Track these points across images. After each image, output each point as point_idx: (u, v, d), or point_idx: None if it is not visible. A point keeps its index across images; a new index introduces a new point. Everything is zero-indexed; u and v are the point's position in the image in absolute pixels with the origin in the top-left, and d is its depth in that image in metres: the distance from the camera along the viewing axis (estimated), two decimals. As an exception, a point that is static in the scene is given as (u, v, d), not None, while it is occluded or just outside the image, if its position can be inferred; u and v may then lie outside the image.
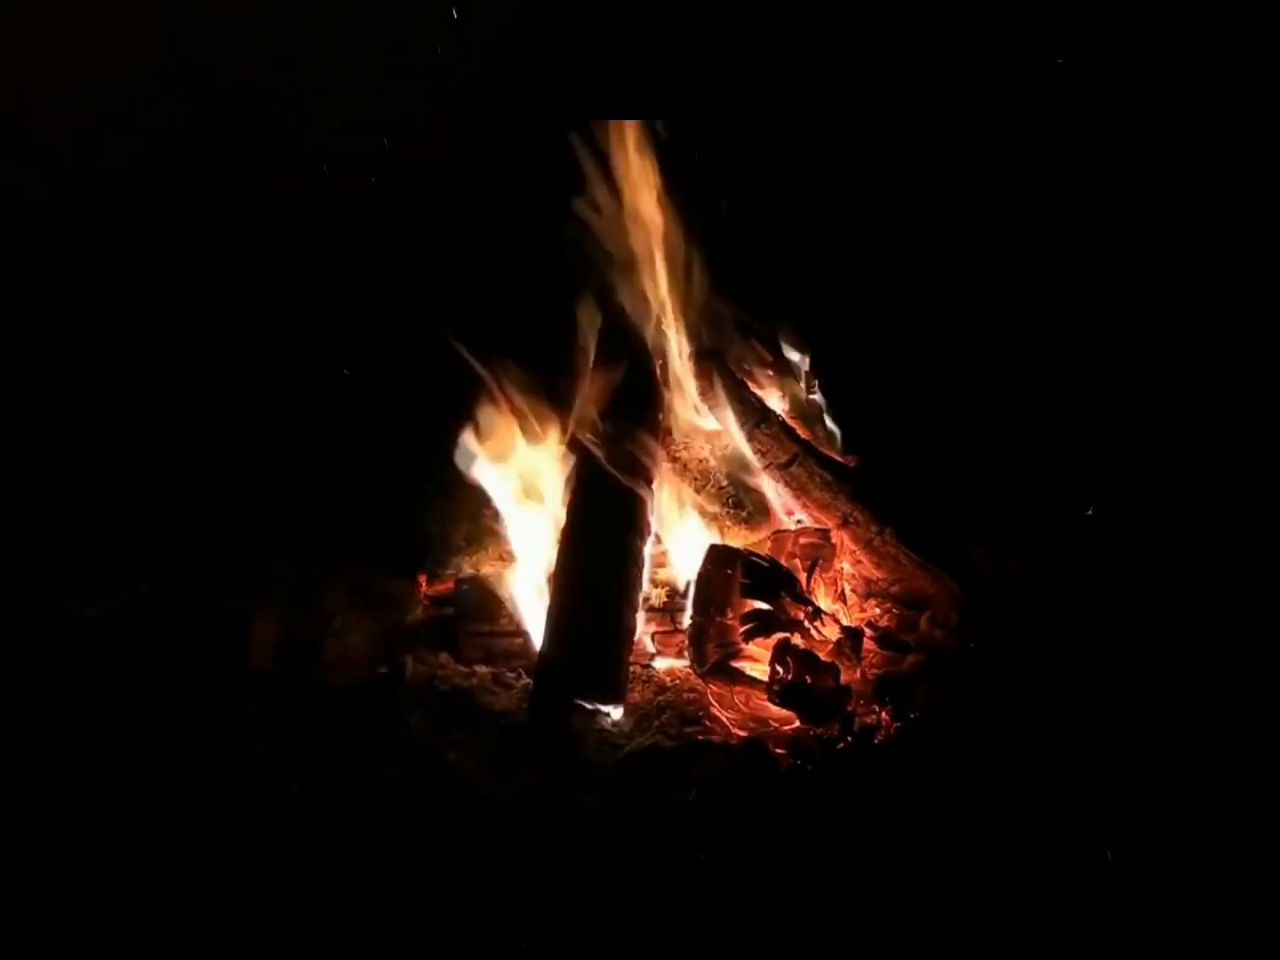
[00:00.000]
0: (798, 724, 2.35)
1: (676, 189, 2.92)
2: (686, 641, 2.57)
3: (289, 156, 3.56)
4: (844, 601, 2.74)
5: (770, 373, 3.09)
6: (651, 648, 2.64)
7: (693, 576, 2.63)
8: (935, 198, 3.72)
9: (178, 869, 1.95)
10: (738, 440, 2.86)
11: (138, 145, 3.47)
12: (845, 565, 2.82)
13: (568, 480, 2.80)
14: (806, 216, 3.60)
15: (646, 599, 2.66)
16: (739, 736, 2.34)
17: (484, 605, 2.74)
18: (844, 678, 2.42)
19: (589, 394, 2.90)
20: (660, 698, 2.48)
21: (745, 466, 2.92)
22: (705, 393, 2.91)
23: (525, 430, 2.90)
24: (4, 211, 3.34)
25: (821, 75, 3.64)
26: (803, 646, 2.46)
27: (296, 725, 2.33)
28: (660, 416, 2.91)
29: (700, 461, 2.97)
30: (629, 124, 2.89)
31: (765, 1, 3.62)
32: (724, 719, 2.41)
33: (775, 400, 3.06)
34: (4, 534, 3.03)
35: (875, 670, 2.55)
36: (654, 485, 2.77)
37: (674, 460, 2.95)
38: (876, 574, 2.80)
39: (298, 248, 3.57)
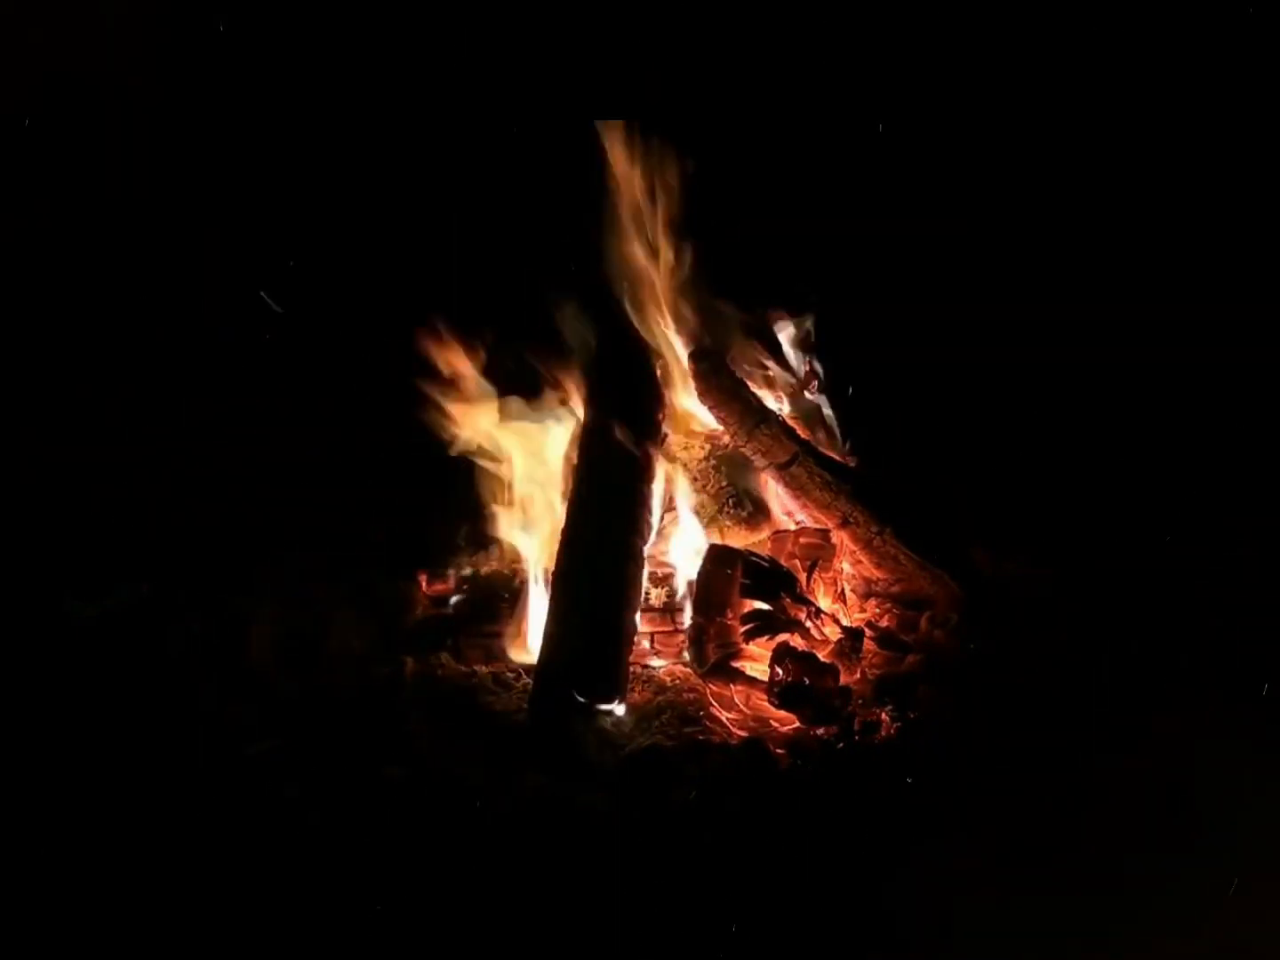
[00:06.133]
0: (798, 724, 2.35)
1: (677, 189, 2.92)
2: (686, 641, 2.57)
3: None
4: (844, 601, 2.74)
5: (770, 373, 3.09)
6: (651, 647, 2.64)
7: (693, 576, 2.64)
8: (937, 198, 3.72)
9: (177, 870, 1.95)
10: (738, 440, 2.86)
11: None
12: (845, 565, 2.82)
13: (568, 479, 2.81)
14: (807, 215, 3.60)
15: (646, 599, 2.66)
16: (739, 736, 2.34)
17: (484, 605, 2.74)
18: (844, 678, 2.42)
19: (590, 394, 2.91)
20: (660, 698, 2.48)
21: (745, 466, 2.92)
22: (705, 393, 2.91)
23: (526, 430, 2.91)
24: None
25: (826, 73, 3.64)
26: (803, 647, 2.46)
27: (296, 725, 2.33)
28: (660, 417, 2.91)
29: (700, 461, 2.97)
30: (629, 124, 2.89)
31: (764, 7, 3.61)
32: (724, 719, 2.41)
33: (775, 400, 3.06)
34: (5, 533, 3.03)
35: (875, 670, 2.55)
36: (654, 485, 2.77)
37: (674, 460, 2.95)
38: (876, 574, 2.80)
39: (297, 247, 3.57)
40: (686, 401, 3.02)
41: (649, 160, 2.92)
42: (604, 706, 2.37)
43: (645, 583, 2.64)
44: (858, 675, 2.50)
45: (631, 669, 2.50)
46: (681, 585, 2.71)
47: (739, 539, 2.85)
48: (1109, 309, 3.64)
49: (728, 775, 2.18)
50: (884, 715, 2.35)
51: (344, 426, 3.40)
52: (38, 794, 2.14)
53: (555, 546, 2.65)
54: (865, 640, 2.58)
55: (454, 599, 2.83)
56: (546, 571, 2.69)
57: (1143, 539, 2.90)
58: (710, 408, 2.91)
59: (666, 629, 2.67)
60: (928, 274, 3.72)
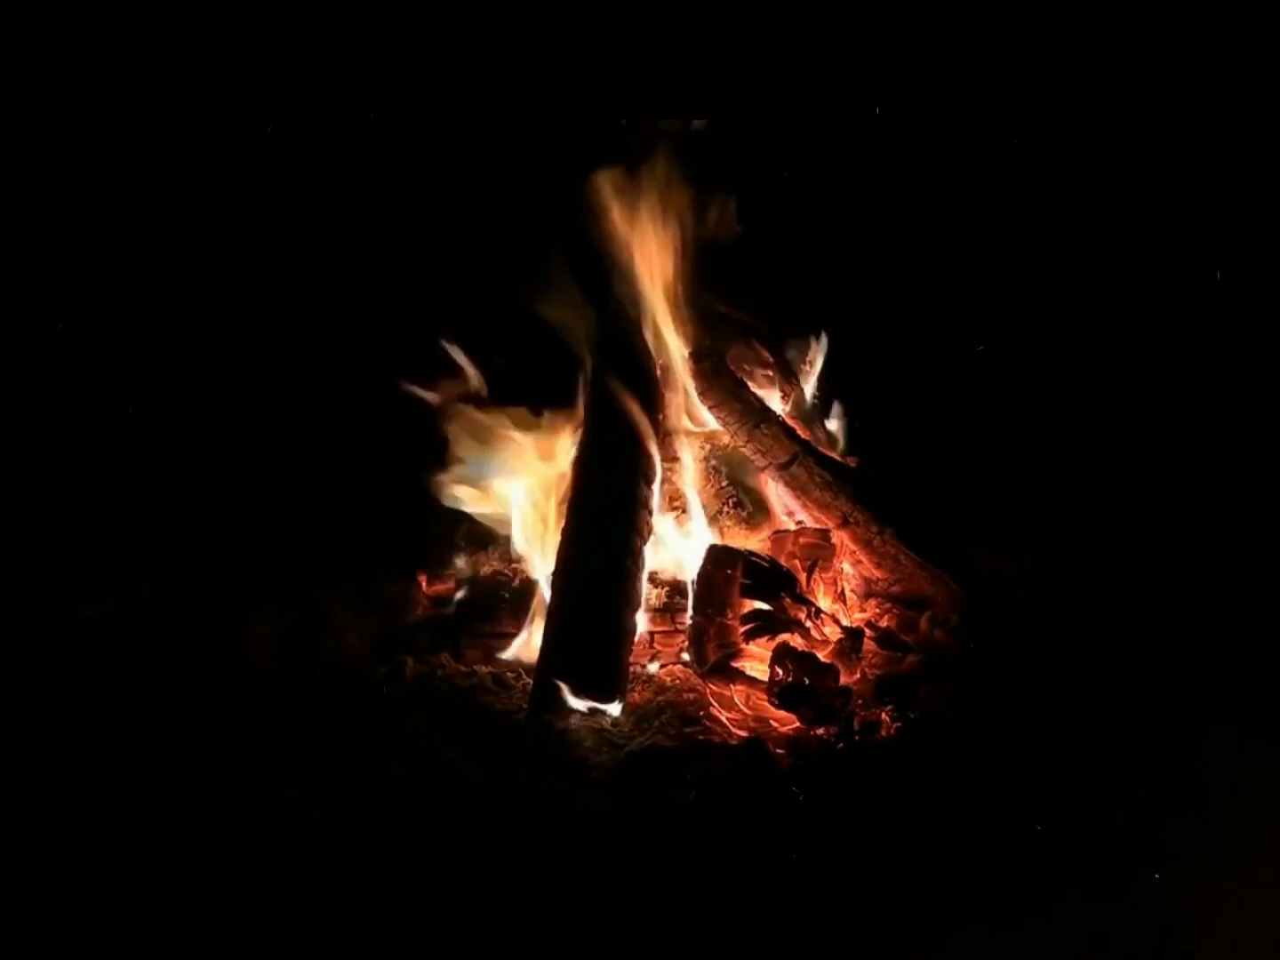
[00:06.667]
0: (798, 724, 2.35)
1: (680, 188, 2.92)
2: (686, 641, 2.57)
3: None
4: (844, 601, 2.74)
5: (770, 373, 3.09)
6: (651, 647, 2.64)
7: (693, 576, 2.63)
8: (938, 198, 3.72)
9: (177, 869, 1.95)
10: (738, 440, 2.86)
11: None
12: (845, 565, 2.82)
13: (568, 479, 2.81)
14: (808, 215, 3.60)
15: (647, 599, 2.66)
16: (739, 736, 2.34)
17: (484, 605, 2.74)
18: (844, 678, 2.42)
19: (590, 394, 2.91)
20: (660, 698, 2.48)
21: (745, 466, 2.92)
22: (705, 393, 2.90)
23: (525, 430, 2.92)
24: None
25: (829, 74, 3.63)
26: (803, 647, 2.46)
27: (297, 725, 2.33)
28: (660, 417, 2.91)
29: (700, 461, 2.97)
30: (633, 124, 2.89)
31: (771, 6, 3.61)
32: (724, 719, 2.41)
33: (775, 400, 3.06)
34: (5, 534, 3.03)
35: (875, 670, 2.55)
36: (654, 485, 2.77)
37: (674, 460, 2.95)
38: (876, 574, 2.80)
39: (294, 245, 3.57)
40: (687, 401, 3.01)
41: (655, 161, 2.92)
42: (604, 706, 2.37)
43: (645, 582, 2.64)
44: (858, 675, 2.50)
45: (631, 669, 2.50)
46: (681, 585, 2.72)
47: (739, 539, 2.85)
48: (1107, 307, 3.64)
49: (728, 775, 2.18)
50: (884, 715, 2.35)
51: (344, 426, 3.40)
52: (38, 795, 2.14)
53: (556, 546, 2.66)
54: (865, 640, 2.58)
55: (455, 599, 2.84)
56: (547, 571, 2.69)
57: (1144, 537, 2.90)
58: (710, 408, 2.91)
59: (666, 629, 2.67)
60: (927, 273, 3.72)
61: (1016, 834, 2.01)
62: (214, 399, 3.54)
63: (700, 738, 2.33)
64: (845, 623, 2.64)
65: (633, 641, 2.52)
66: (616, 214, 2.91)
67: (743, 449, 2.86)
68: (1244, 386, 3.43)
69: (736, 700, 2.43)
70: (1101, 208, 3.71)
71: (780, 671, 2.38)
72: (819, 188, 3.66)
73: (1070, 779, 2.14)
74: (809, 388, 3.19)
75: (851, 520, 2.77)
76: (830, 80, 3.64)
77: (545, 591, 2.65)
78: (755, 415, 2.85)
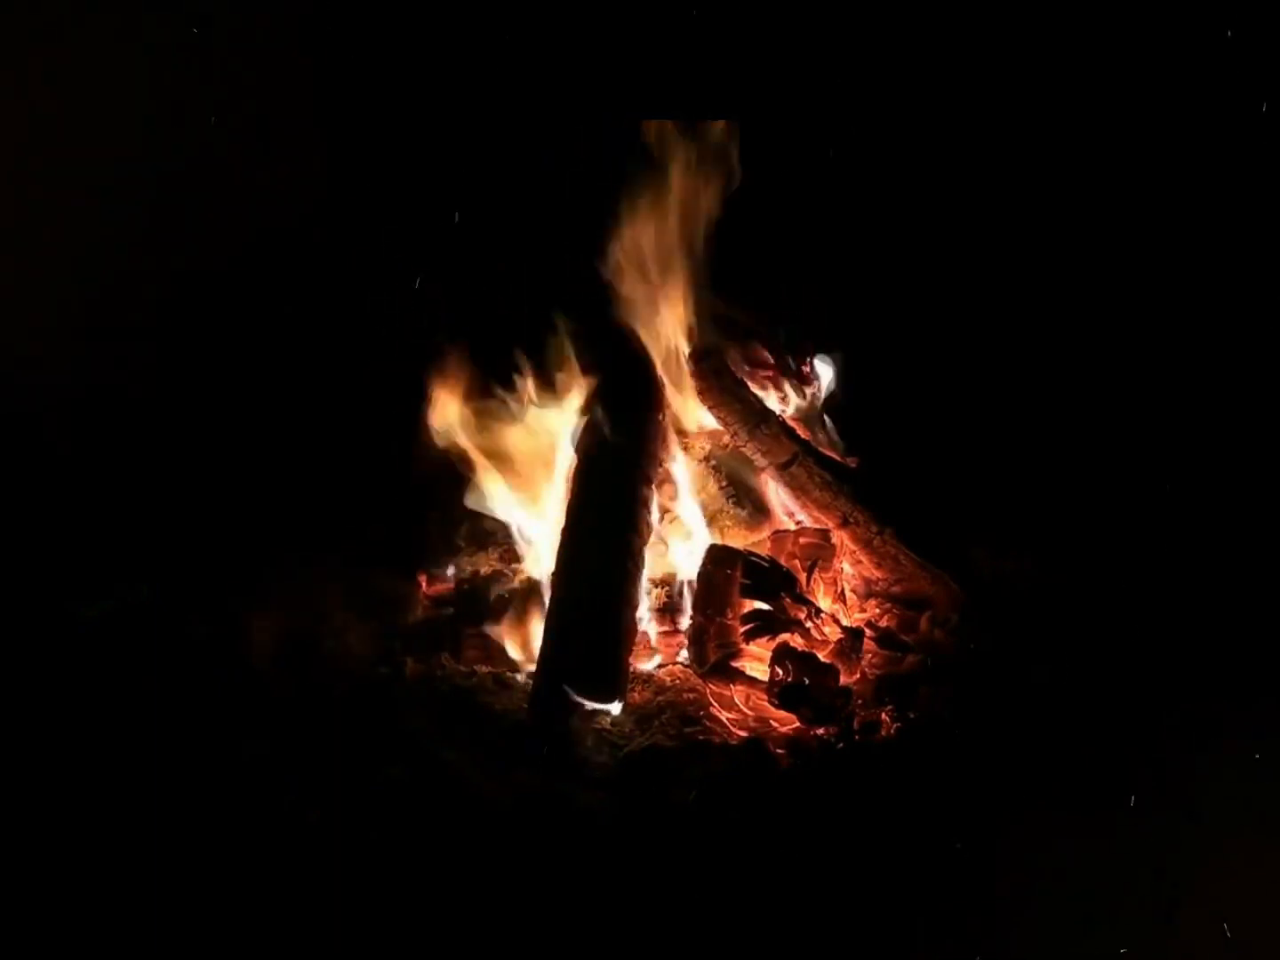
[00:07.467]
0: (798, 724, 2.35)
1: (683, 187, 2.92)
2: (686, 641, 2.57)
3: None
4: (844, 601, 2.74)
5: (770, 373, 3.09)
6: (651, 646, 2.64)
7: (693, 576, 2.63)
8: (939, 197, 3.72)
9: (177, 869, 1.95)
10: (738, 440, 2.86)
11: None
12: (845, 565, 2.82)
13: (568, 479, 2.81)
14: (809, 215, 3.60)
15: (646, 598, 2.66)
16: (739, 736, 2.34)
17: (484, 605, 2.74)
18: (844, 678, 2.42)
19: (587, 394, 2.91)
20: (660, 698, 2.48)
21: (745, 466, 2.92)
22: (705, 393, 2.90)
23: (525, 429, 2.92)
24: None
25: (832, 75, 3.63)
26: (803, 647, 2.46)
27: (296, 725, 2.33)
28: (660, 416, 2.91)
29: (700, 461, 2.97)
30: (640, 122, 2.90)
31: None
32: (724, 719, 2.41)
33: (775, 400, 3.06)
34: (4, 534, 3.03)
35: (875, 670, 2.55)
36: (654, 485, 2.77)
37: (674, 460, 2.95)
38: (876, 574, 2.80)
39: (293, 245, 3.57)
40: (687, 401, 3.01)
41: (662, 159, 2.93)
42: (604, 706, 2.37)
43: (645, 582, 2.64)
44: (858, 675, 2.50)
45: (631, 669, 2.50)
46: (681, 585, 2.72)
47: (739, 539, 2.85)
48: (1107, 304, 3.64)
49: (728, 775, 2.18)
50: (884, 715, 2.35)
51: (344, 425, 3.40)
52: (39, 794, 2.14)
53: (555, 546, 2.66)
54: (865, 640, 2.58)
55: (454, 599, 2.83)
56: (547, 571, 2.69)
57: (1144, 537, 2.90)
58: (710, 408, 2.91)
59: (666, 629, 2.67)
60: (927, 271, 3.72)
61: (1015, 835, 2.01)
62: (214, 398, 3.54)
63: (700, 738, 2.33)
64: (845, 623, 2.64)
65: (633, 641, 2.52)
66: (621, 210, 2.91)
67: (743, 449, 2.86)
68: (1244, 387, 3.43)
69: (736, 700, 2.43)
70: (1101, 207, 3.71)
71: (780, 671, 2.38)
72: (818, 187, 3.66)
73: (1070, 779, 2.14)
74: (809, 388, 3.18)
75: (851, 520, 2.77)
76: (830, 80, 3.64)
77: (545, 591, 2.66)
78: (755, 415, 2.85)
